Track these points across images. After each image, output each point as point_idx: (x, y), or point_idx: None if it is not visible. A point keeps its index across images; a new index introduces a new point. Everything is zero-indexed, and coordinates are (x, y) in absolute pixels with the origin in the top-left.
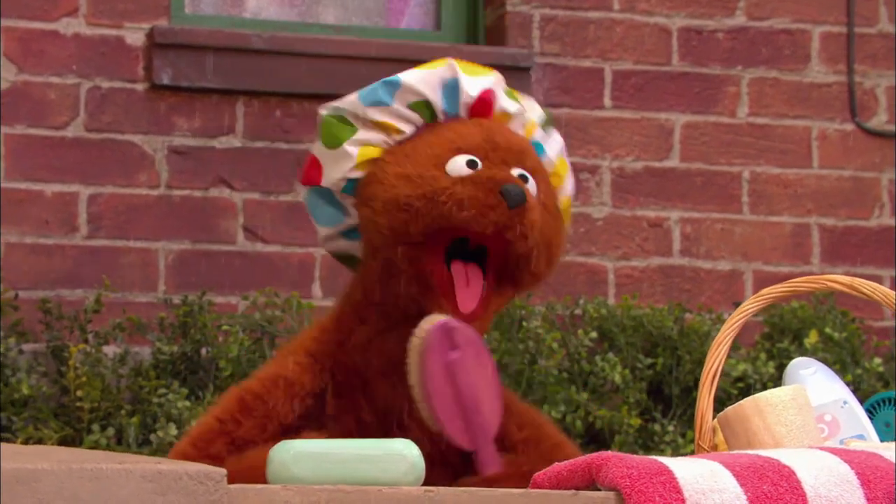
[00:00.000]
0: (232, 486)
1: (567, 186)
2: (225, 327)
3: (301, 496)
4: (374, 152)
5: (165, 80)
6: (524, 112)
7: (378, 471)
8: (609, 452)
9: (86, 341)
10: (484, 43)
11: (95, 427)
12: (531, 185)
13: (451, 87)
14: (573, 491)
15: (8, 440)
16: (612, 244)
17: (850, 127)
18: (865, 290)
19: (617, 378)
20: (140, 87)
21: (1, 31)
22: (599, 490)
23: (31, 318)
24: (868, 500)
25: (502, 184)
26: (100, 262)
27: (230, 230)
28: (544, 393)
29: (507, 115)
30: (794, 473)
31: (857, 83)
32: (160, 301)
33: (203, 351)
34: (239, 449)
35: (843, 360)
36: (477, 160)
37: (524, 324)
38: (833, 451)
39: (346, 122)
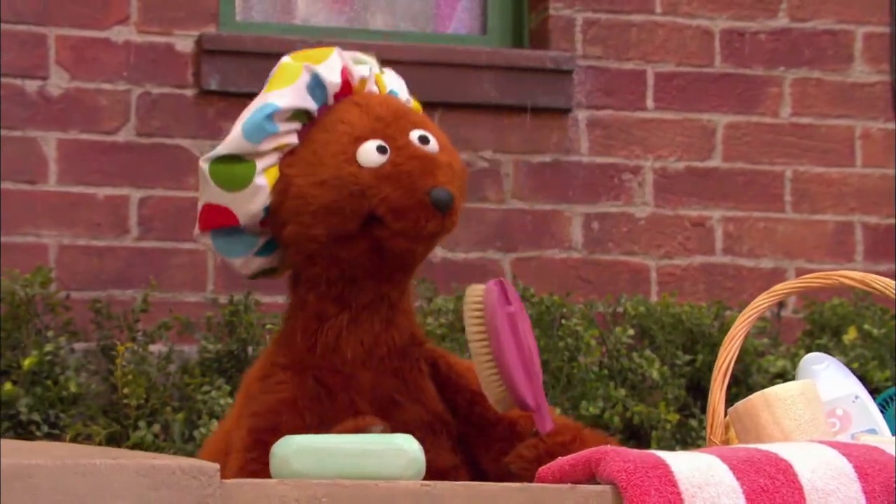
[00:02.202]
0: (227, 481)
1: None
2: (269, 326)
3: (298, 490)
4: (275, 173)
5: (214, 86)
6: (372, 71)
7: (378, 465)
8: (608, 447)
9: (133, 340)
10: (528, 46)
11: (142, 423)
12: (433, 143)
13: (315, 86)
14: (570, 485)
15: (57, 437)
16: (655, 243)
17: (892, 126)
18: (877, 286)
19: (655, 374)
20: (189, 92)
21: (54, 39)
22: (599, 484)
23: (84, 317)
24: (865, 493)
25: (428, 189)
26: (150, 264)
27: None
28: (583, 389)
29: (363, 82)
30: (790, 467)
31: None
32: (208, 301)
33: (250, 349)
34: None
35: (881, 356)
36: (384, 144)
37: (564, 321)
38: (832, 444)
39: (241, 161)
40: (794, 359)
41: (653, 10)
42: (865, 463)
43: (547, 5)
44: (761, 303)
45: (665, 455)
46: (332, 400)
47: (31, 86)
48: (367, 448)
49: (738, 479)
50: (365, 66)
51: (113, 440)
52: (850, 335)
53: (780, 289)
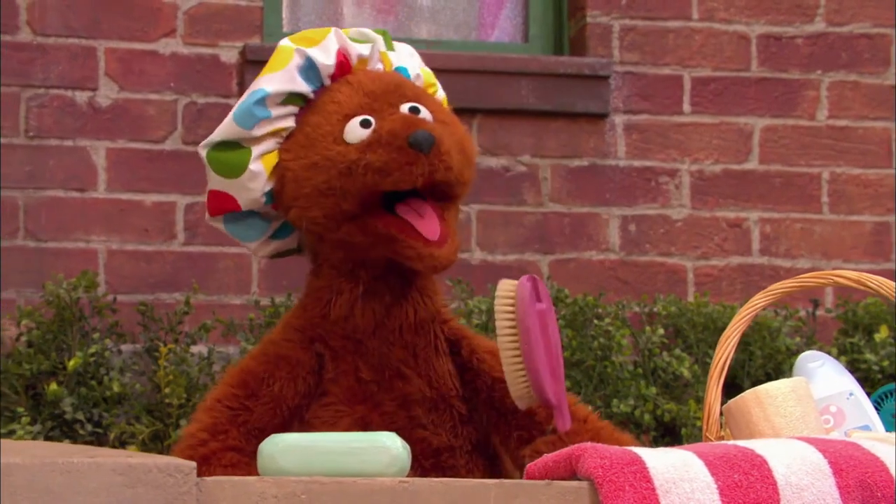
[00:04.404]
0: (207, 479)
1: (440, 90)
2: None
3: (277, 487)
4: (274, 158)
5: None
6: (375, 48)
7: (362, 463)
8: (588, 444)
9: (176, 341)
10: (568, 53)
11: (183, 422)
12: (424, 113)
13: (308, 69)
14: (547, 481)
15: (101, 435)
16: (692, 244)
17: None
18: (871, 285)
19: (686, 373)
20: (233, 101)
21: (104, 52)
22: (580, 480)
23: (132, 320)
24: (839, 488)
25: (407, 134)
26: (196, 267)
27: None
28: (616, 387)
29: (363, 61)
30: (765, 463)
31: None
32: (251, 303)
33: None
34: (253, 435)
35: None
36: (368, 118)
37: (596, 321)
38: (810, 440)
39: (237, 147)
40: None
41: (689, 16)
42: (841, 459)
43: (585, 13)
44: (757, 302)
45: (642, 451)
46: (335, 362)
47: (82, 97)
48: (352, 446)
49: (712, 474)
50: (367, 45)
51: (157, 438)
52: (882, 334)
53: (776, 288)
